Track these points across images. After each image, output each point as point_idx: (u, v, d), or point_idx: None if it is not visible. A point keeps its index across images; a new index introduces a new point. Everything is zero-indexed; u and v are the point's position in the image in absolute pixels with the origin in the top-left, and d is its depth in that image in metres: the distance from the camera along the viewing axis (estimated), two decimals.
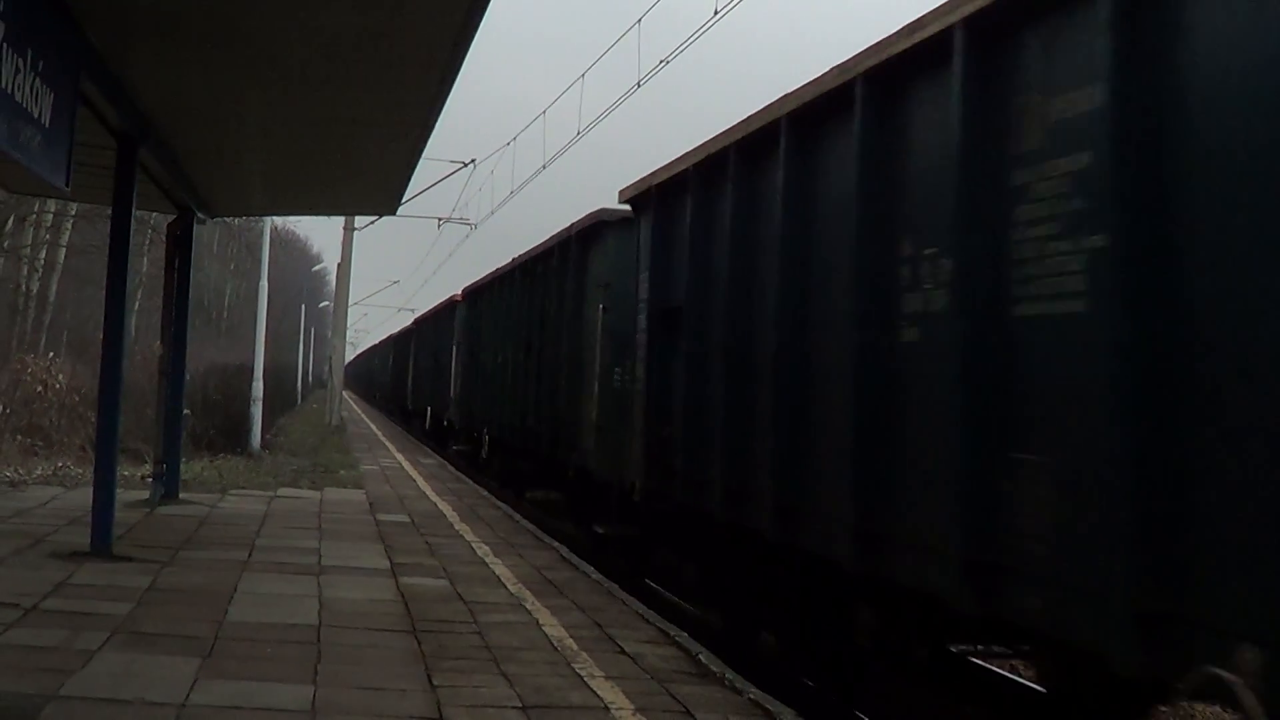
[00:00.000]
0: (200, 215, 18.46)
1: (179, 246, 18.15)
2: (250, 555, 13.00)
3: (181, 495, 17.80)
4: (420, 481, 24.17)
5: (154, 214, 24.25)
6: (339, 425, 43.08)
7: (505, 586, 12.11)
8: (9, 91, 7.53)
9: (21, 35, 7.63)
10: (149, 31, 10.22)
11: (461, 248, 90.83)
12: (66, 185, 9.32)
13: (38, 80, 8.14)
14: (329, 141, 14.20)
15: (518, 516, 18.68)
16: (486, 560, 13.77)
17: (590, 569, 13.63)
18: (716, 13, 16.92)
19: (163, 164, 14.56)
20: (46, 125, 8.46)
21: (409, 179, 16.41)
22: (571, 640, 9.74)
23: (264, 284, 31.12)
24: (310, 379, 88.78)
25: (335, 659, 8.57)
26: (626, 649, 9.58)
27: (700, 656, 9.48)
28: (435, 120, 12.66)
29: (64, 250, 44.64)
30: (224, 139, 14.36)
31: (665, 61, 19.86)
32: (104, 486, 12.63)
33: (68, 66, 9.06)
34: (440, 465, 29.42)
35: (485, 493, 22.50)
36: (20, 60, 7.69)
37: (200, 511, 16.56)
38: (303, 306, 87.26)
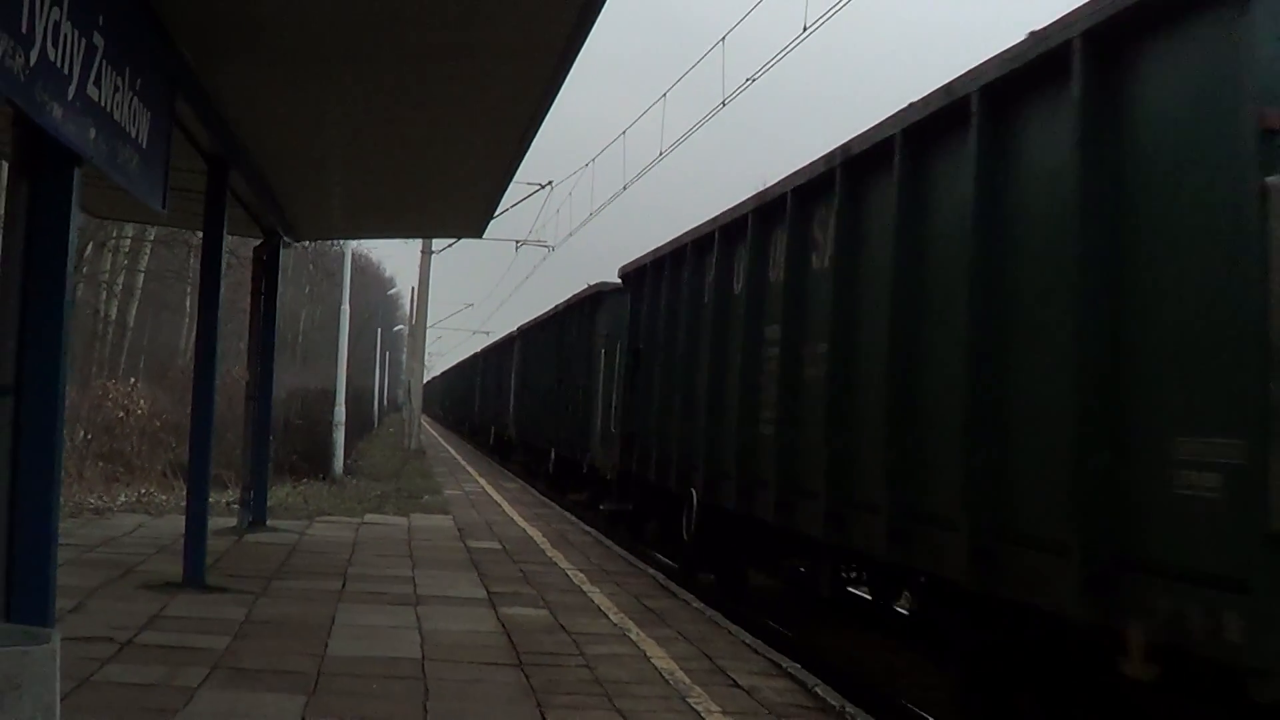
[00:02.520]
0: (286, 239, 18.29)
1: (266, 271, 17.95)
2: (344, 585, 12.75)
3: (269, 522, 17.59)
4: (506, 506, 23.90)
5: (231, 237, 24.12)
6: (419, 449, 42.99)
7: (606, 616, 11.78)
8: (108, 110, 7.29)
9: (120, 53, 7.39)
10: (241, 49, 9.99)
11: (539, 270, 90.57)
12: (163, 208, 9.07)
13: (135, 99, 7.90)
14: (419, 162, 13.94)
15: (608, 542, 18.30)
16: (584, 588, 13.44)
17: (690, 597, 13.25)
18: (805, 29, 16.54)
19: (252, 187, 14.37)
20: (144, 146, 8.22)
21: (498, 201, 16.15)
22: (682, 673, 9.40)
23: (345, 308, 31.08)
24: (385, 403, 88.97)
25: (443, 695, 8.27)
26: (740, 682, 9.24)
27: (816, 689, 9.10)
28: (530, 141, 12.34)
29: (142, 275, 44.98)
30: (314, 161, 14.17)
31: (751, 80, 19.43)
32: (196, 516, 12.40)
33: (164, 85, 8.82)
34: (523, 489, 29.16)
35: (573, 518, 22.17)
36: (119, 79, 7.45)
37: (289, 539, 16.35)
38: (378, 330, 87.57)
